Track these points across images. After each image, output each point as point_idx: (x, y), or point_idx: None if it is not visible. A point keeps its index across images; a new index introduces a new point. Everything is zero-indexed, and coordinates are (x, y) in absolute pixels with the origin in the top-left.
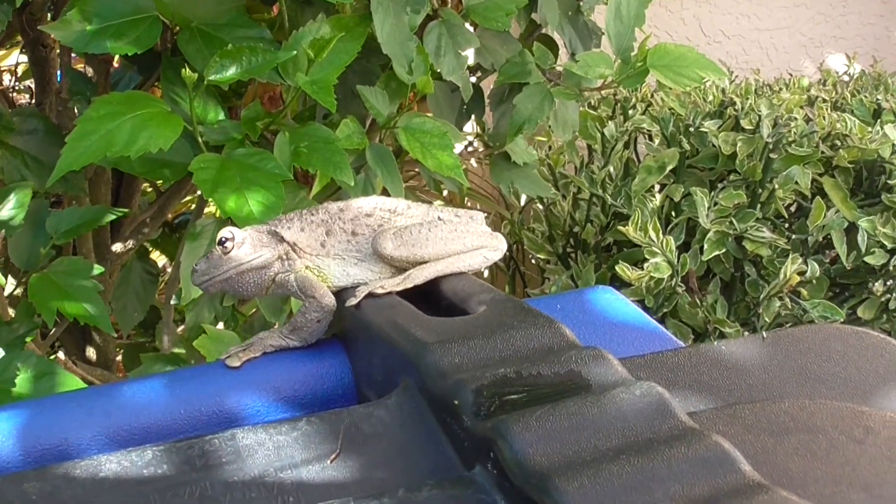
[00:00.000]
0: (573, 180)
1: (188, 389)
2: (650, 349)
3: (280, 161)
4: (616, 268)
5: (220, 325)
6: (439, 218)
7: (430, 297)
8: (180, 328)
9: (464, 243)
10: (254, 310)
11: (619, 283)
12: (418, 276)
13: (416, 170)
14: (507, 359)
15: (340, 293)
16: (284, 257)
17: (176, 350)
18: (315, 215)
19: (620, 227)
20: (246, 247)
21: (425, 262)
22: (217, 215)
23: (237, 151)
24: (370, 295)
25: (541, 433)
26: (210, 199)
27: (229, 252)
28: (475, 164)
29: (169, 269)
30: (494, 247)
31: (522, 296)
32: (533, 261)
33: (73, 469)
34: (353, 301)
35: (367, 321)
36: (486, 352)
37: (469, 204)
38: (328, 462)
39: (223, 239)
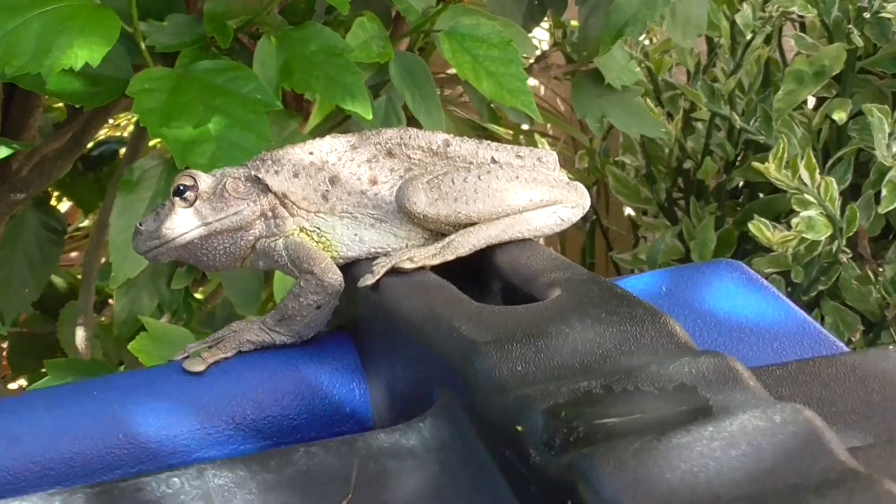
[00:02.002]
0: (684, 92)
1: (130, 404)
2: (796, 355)
3: (263, 80)
4: (749, 224)
5: (166, 318)
6: (493, 160)
7: (480, 274)
8: (103, 318)
9: (529, 197)
10: (214, 289)
11: (752, 247)
12: (463, 245)
13: (457, 88)
14: (592, 367)
15: (350, 267)
16: (270, 215)
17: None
18: (314, 154)
19: (756, 164)
20: (215, 199)
21: (473, 224)
22: (165, 154)
23: (199, 65)
24: (394, 270)
25: (640, 475)
26: (156, 137)
27: (192, 205)
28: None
29: (81, 225)
30: (573, 202)
31: (605, 262)
32: (623, 211)
33: None
34: (369, 280)
35: (390, 309)
36: (561, 356)
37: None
38: None
39: (182, 187)
